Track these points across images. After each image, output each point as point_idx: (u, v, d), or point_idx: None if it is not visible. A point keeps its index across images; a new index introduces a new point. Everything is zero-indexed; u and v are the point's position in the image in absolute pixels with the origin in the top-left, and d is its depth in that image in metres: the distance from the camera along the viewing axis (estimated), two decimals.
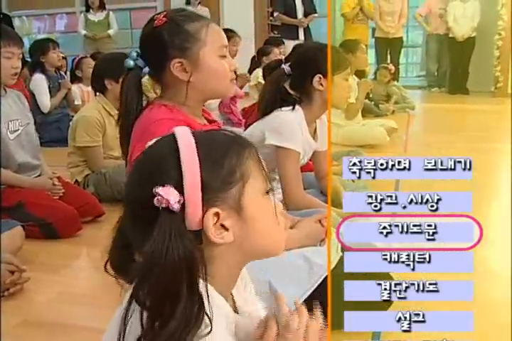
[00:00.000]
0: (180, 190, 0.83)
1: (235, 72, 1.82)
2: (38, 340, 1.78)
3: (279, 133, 2.23)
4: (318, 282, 1.60)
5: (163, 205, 0.81)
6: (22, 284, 2.07)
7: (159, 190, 0.81)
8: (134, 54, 1.62)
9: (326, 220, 1.79)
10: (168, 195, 0.81)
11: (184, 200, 0.83)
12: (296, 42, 6.07)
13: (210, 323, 0.82)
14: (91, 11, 8.16)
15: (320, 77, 2.31)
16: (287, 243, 1.63)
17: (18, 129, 2.78)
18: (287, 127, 2.25)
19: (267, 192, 0.92)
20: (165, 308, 0.80)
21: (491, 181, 3.61)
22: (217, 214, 0.85)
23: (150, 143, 0.93)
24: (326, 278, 1.58)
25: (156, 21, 1.57)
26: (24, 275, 2.08)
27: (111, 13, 8.21)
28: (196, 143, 0.86)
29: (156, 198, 0.81)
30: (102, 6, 8.13)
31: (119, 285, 0.91)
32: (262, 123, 2.30)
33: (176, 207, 0.82)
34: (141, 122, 1.57)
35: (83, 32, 8.16)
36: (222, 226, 0.86)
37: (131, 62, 1.62)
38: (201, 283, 0.83)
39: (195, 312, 0.80)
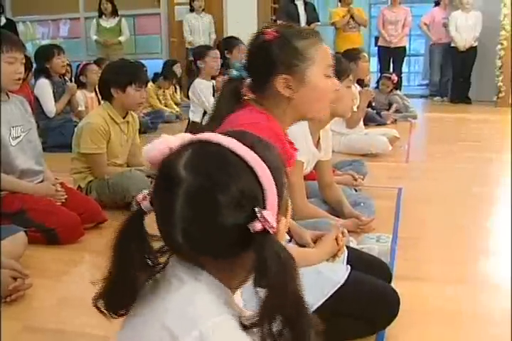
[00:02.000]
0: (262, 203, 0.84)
1: None
2: None
3: None
4: (328, 295, 1.60)
5: (263, 228, 0.81)
6: (24, 290, 2.06)
7: (264, 212, 0.81)
8: (238, 64, 1.65)
9: (341, 239, 1.79)
10: (269, 217, 0.81)
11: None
12: None
13: None
14: (103, 16, 8.19)
15: None
16: (308, 262, 1.66)
17: (20, 135, 2.77)
18: (291, 137, 2.26)
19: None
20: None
21: (491, 192, 3.61)
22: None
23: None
24: (336, 291, 1.60)
25: (266, 35, 1.57)
26: (26, 281, 2.06)
27: (123, 19, 8.24)
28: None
29: (255, 223, 0.81)
30: (114, 13, 8.15)
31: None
32: None
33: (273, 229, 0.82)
34: (238, 120, 1.56)
35: (94, 37, 8.19)
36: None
37: (235, 73, 1.64)
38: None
39: None
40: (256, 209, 0.81)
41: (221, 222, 0.81)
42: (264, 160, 0.85)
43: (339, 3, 8.60)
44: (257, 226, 0.80)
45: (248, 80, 1.64)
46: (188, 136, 0.91)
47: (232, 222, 0.81)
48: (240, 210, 0.81)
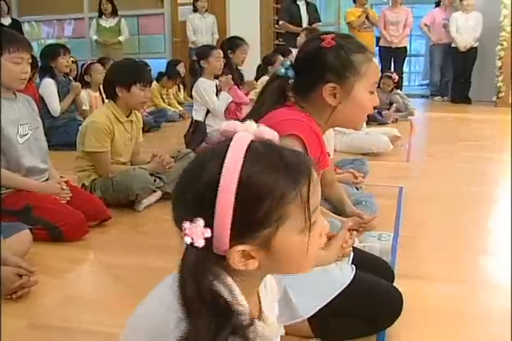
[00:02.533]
0: (210, 222, 0.81)
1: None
2: None
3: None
4: (335, 294, 1.60)
5: (187, 241, 0.81)
6: (29, 287, 2.07)
7: (186, 225, 0.81)
8: (288, 63, 1.66)
9: (349, 237, 1.80)
10: (192, 232, 0.81)
11: (213, 233, 0.82)
12: None
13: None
14: (103, 16, 8.24)
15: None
16: (319, 263, 1.67)
17: (28, 133, 2.79)
18: None
19: (307, 226, 0.87)
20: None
21: (491, 192, 3.63)
22: (242, 250, 0.84)
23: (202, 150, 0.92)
24: (341, 291, 1.61)
25: (324, 41, 1.60)
26: (31, 278, 2.07)
27: (122, 19, 8.34)
28: (244, 165, 0.82)
29: (183, 233, 0.82)
30: (114, 13, 8.21)
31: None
32: None
33: (201, 244, 0.81)
34: (278, 116, 1.59)
35: (94, 37, 8.25)
36: (249, 255, 0.85)
37: (282, 71, 1.66)
38: (231, 286, 0.84)
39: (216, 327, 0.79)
40: (184, 223, 0.82)
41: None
42: (248, 176, 0.81)
43: (353, 4, 8.79)
44: (185, 237, 0.82)
45: (293, 80, 1.66)
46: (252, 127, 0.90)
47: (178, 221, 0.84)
48: (183, 212, 0.84)
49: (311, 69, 1.63)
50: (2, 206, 2.63)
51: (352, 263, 1.75)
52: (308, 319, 1.62)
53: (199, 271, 0.81)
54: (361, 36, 8.53)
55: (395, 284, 1.80)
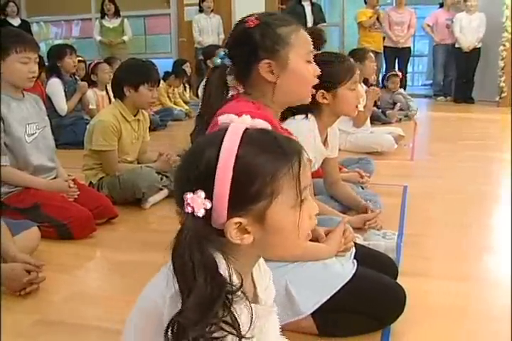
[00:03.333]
0: (210, 195, 0.87)
1: None
2: (52, 340, 1.78)
3: None
4: (336, 289, 1.61)
5: (189, 211, 0.87)
6: (38, 283, 2.08)
7: (188, 196, 0.87)
8: (222, 53, 1.66)
9: (349, 231, 1.82)
10: (194, 202, 0.86)
11: (212, 206, 0.87)
12: None
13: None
14: (106, 17, 8.28)
15: (323, 93, 2.35)
16: (318, 256, 1.68)
17: (36, 132, 2.81)
18: (301, 135, 2.25)
19: (299, 201, 0.93)
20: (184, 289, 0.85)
21: (494, 190, 3.65)
22: (239, 223, 0.89)
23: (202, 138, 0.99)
24: (343, 286, 1.62)
25: (248, 22, 1.60)
26: (40, 274, 2.09)
27: (125, 20, 8.36)
28: (241, 144, 0.89)
29: (184, 203, 0.87)
30: (116, 13, 8.27)
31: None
32: None
33: (201, 213, 0.87)
34: (227, 111, 1.53)
35: (98, 38, 8.29)
36: (245, 229, 0.90)
37: (218, 61, 1.66)
38: (223, 264, 0.89)
39: (212, 297, 0.85)
40: (186, 194, 0.87)
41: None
42: (243, 155, 0.88)
43: (364, 5, 8.85)
44: (186, 207, 0.87)
45: (231, 68, 1.66)
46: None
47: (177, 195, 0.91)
48: (180, 186, 0.90)
49: (243, 51, 1.62)
50: (11, 204, 2.67)
51: (355, 259, 1.76)
52: (312, 315, 1.63)
53: (198, 238, 0.87)
54: (371, 36, 8.74)
55: (399, 281, 1.80)
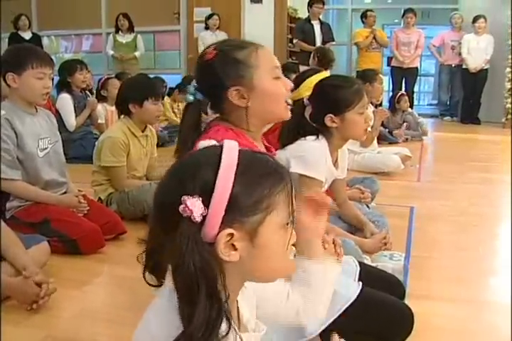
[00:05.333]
0: (207, 202, 0.87)
1: None
2: None
3: (304, 162, 2.25)
4: (340, 312, 1.59)
5: (186, 215, 0.86)
6: (49, 296, 2.08)
7: (187, 199, 0.86)
8: (192, 88, 1.70)
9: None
10: (193, 206, 0.86)
11: (207, 214, 0.87)
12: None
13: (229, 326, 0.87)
14: (120, 32, 8.34)
15: (331, 117, 2.35)
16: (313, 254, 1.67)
17: (47, 147, 2.84)
18: (312, 156, 2.29)
19: (287, 224, 0.95)
20: (186, 308, 0.86)
21: (501, 212, 3.66)
22: (231, 235, 0.89)
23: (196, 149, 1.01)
24: (350, 307, 1.60)
25: (206, 55, 1.63)
26: (50, 285, 2.09)
27: (139, 35, 8.41)
28: (239, 159, 0.91)
29: (181, 206, 0.86)
30: (130, 28, 8.32)
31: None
32: (286, 152, 2.32)
33: (198, 219, 0.86)
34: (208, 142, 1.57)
35: (111, 52, 8.34)
36: (233, 245, 0.90)
37: (191, 97, 1.70)
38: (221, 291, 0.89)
39: (214, 316, 0.85)
40: (184, 196, 0.87)
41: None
42: (238, 172, 0.89)
43: (362, 25, 8.83)
44: (184, 210, 0.87)
45: (206, 101, 1.69)
46: None
47: (168, 202, 0.90)
48: (175, 192, 0.89)
49: (210, 84, 1.65)
50: (21, 217, 2.69)
51: (360, 279, 1.74)
52: (321, 336, 1.61)
53: (197, 243, 0.87)
54: (369, 56, 8.65)
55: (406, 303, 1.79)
